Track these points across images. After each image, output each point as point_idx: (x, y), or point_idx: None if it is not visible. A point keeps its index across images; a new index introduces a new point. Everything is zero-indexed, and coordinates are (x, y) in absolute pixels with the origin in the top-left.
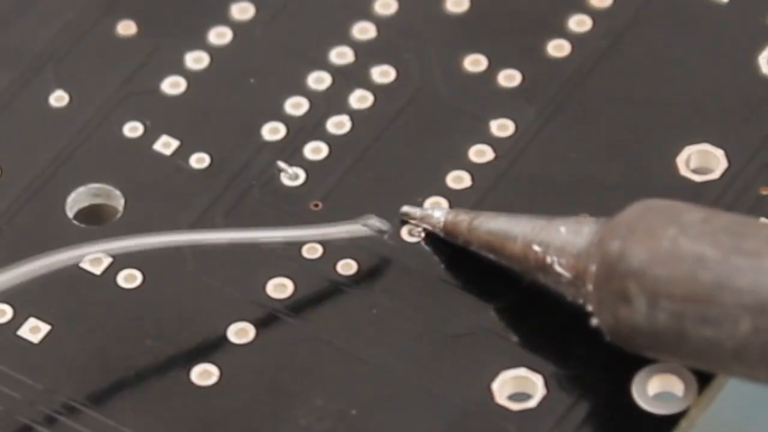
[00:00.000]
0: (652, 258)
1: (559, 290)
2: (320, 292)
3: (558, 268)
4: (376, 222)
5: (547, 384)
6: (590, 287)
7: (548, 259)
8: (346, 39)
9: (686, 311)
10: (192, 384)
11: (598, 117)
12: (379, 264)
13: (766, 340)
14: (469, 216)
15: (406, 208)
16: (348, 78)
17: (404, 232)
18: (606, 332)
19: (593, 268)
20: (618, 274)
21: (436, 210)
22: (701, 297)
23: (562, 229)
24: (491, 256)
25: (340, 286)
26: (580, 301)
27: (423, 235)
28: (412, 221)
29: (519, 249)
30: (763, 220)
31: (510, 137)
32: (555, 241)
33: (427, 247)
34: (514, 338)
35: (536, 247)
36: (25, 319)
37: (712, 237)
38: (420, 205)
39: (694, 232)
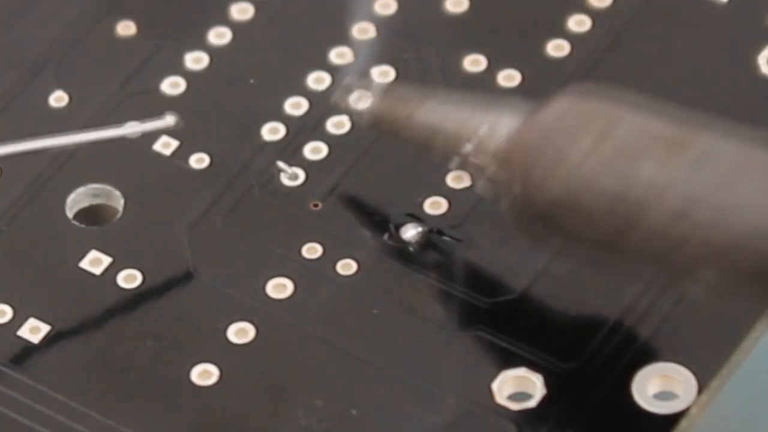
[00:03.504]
0: (552, 208)
1: (478, 178)
2: (320, 292)
3: (476, 158)
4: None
5: (547, 383)
6: (506, 202)
7: (467, 148)
8: (345, 39)
9: (598, 252)
10: (192, 384)
11: None
12: (379, 264)
13: (671, 277)
14: (402, 99)
15: (338, 94)
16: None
17: (407, 234)
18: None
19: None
20: (528, 216)
21: (365, 99)
22: (607, 244)
23: (487, 117)
24: (417, 140)
25: (340, 286)
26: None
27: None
28: (344, 106)
29: (441, 140)
30: None
31: None
32: (478, 129)
33: (427, 247)
34: (514, 338)
35: (459, 138)
36: (25, 320)
37: (599, 182)
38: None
39: (583, 176)
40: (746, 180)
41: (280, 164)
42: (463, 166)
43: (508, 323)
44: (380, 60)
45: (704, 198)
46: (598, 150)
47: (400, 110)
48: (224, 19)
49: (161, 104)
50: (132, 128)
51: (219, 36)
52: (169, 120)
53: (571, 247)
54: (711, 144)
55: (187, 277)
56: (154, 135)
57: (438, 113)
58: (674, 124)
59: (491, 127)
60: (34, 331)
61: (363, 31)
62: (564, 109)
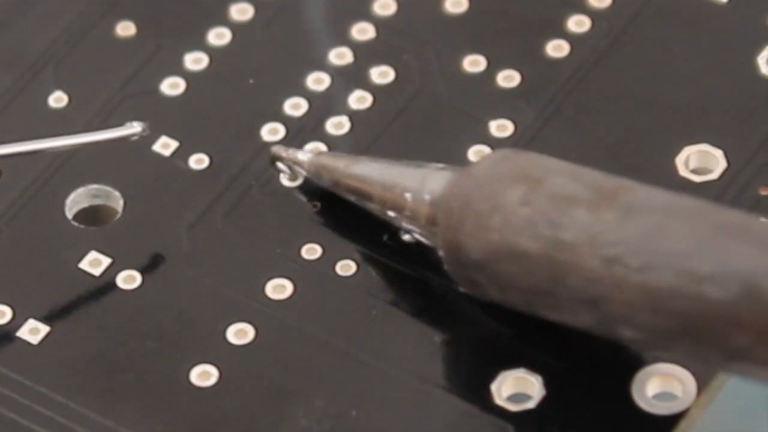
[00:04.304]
0: (487, 255)
1: (413, 232)
2: (319, 293)
3: (411, 212)
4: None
5: (546, 385)
6: (441, 253)
7: (403, 202)
8: (345, 40)
9: (533, 300)
10: (191, 385)
11: (597, 117)
12: (379, 264)
13: (608, 327)
14: (336, 160)
15: (275, 149)
16: (347, 79)
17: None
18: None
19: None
20: (463, 264)
21: (304, 152)
22: (541, 290)
23: (419, 174)
24: (353, 199)
25: (339, 287)
26: (433, 242)
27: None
28: (281, 161)
29: (378, 192)
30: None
31: (509, 138)
32: (412, 185)
33: (424, 248)
34: (514, 338)
35: (394, 191)
36: (25, 321)
37: (532, 229)
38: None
39: (517, 223)
40: (675, 226)
41: (280, 165)
42: (398, 223)
43: (508, 323)
44: (380, 60)
45: (636, 244)
46: (531, 198)
47: (337, 164)
48: (224, 19)
49: (161, 104)
50: (98, 135)
51: (219, 36)
52: (137, 126)
53: (508, 294)
54: (640, 192)
55: (187, 277)
56: (153, 135)
57: (368, 176)
58: (603, 175)
59: (420, 186)
60: (33, 331)
61: (363, 30)
62: (497, 159)
